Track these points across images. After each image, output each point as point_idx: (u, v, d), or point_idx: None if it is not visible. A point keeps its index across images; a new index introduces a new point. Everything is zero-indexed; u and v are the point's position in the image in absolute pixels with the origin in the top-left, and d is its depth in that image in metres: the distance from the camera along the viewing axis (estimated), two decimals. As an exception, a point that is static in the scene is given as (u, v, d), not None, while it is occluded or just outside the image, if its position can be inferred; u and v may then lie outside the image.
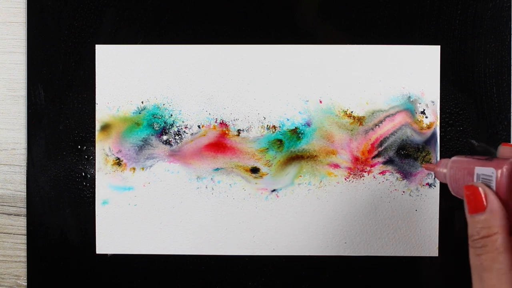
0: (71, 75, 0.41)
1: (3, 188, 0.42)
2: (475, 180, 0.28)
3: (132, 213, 0.41)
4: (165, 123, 0.41)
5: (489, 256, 0.25)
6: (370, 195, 0.41)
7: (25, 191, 0.41)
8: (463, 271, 0.41)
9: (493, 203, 0.26)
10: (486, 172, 0.27)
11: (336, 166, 0.41)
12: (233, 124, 0.41)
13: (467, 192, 0.27)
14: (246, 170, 0.41)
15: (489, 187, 0.27)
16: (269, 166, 0.41)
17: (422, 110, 0.41)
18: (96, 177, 0.41)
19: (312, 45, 0.41)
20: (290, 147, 0.41)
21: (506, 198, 0.26)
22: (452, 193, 0.32)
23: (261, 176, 0.41)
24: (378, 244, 0.41)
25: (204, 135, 0.41)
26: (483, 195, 0.26)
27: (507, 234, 0.25)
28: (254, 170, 0.41)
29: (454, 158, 0.32)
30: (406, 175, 0.41)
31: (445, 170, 0.32)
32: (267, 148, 0.41)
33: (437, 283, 0.41)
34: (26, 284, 0.42)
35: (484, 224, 0.25)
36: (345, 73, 0.41)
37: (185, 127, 0.41)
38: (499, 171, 0.26)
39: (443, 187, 0.41)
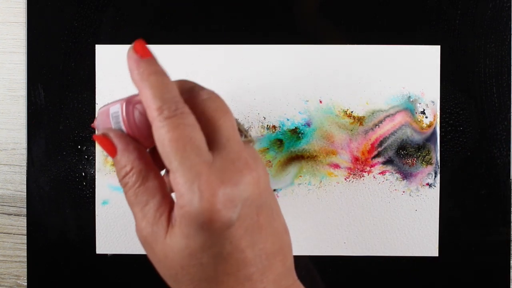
0: (71, 75, 0.41)
1: (3, 188, 0.42)
2: (111, 121, 0.27)
3: (132, 213, 0.41)
4: (165, 123, 0.41)
5: (132, 192, 0.25)
6: (370, 195, 0.41)
7: (25, 191, 0.41)
8: (463, 271, 0.41)
9: (119, 143, 0.25)
10: (115, 110, 0.26)
11: (336, 166, 0.41)
12: (233, 124, 0.41)
13: (97, 141, 0.26)
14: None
15: (119, 127, 0.26)
16: (269, 167, 0.41)
17: (422, 110, 0.41)
18: (96, 177, 0.41)
19: (312, 45, 0.41)
20: (290, 147, 0.41)
21: (132, 131, 0.25)
22: None
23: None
24: (378, 244, 0.41)
25: (204, 135, 0.41)
26: (110, 139, 0.26)
27: (143, 165, 0.25)
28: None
29: (102, 106, 0.30)
30: (406, 175, 0.41)
31: (95, 122, 0.31)
32: (268, 148, 0.41)
33: (437, 283, 0.41)
34: (26, 284, 0.42)
35: (121, 164, 0.25)
36: (345, 73, 0.41)
37: (185, 127, 0.41)
38: (122, 106, 0.26)
39: (443, 187, 0.41)
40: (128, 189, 0.25)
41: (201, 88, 0.26)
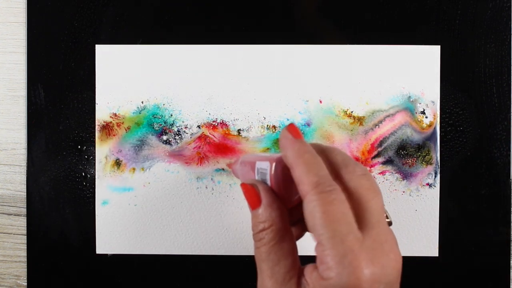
0: (71, 75, 0.41)
1: (3, 188, 0.42)
2: (255, 174, 0.29)
3: (132, 213, 0.41)
4: (165, 123, 0.41)
5: (265, 248, 0.25)
6: (370, 195, 0.41)
7: (25, 191, 0.41)
8: (463, 271, 0.41)
9: (266, 198, 0.26)
10: (263, 166, 0.28)
11: (336, 166, 0.41)
12: (233, 124, 0.41)
13: (243, 189, 0.27)
14: (246, 170, 0.41)
15: (264, 182, 0.27)
16: (269, 166, 0.41)
17: (422, 110, 0.41)
18: (96, 177, 0.41)
19: (312, 45, 0.41)
20: (290, 147, 0.41)
21: (279, 190, 0.27)
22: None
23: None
24: (378, 244, 0.41)
25: (204, 135, 0.41)
26: (257, 191, 0.27)
27: (282, 225, 0.26)
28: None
29: (245, 155, 0.32)
30: (406, 175, 0.41)
31: (237, 166, 0.32)
32: (269, 148, 0.41)
33: (437, 283, 0.41)
34: (26, 284, 0.42)
35: (261, 218, 0.26)
36: (345, 73, 0.41)
37: (185, 127, 0.41)
38: (272, 165, 0.27)
39: (443, 187, 0.41)
40: (261, 245, 0.26)
41: (355, 163, 0.26)
